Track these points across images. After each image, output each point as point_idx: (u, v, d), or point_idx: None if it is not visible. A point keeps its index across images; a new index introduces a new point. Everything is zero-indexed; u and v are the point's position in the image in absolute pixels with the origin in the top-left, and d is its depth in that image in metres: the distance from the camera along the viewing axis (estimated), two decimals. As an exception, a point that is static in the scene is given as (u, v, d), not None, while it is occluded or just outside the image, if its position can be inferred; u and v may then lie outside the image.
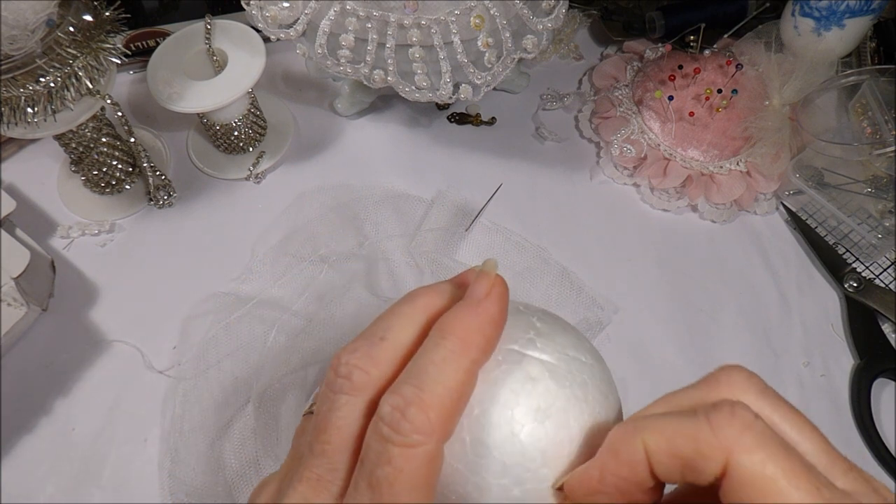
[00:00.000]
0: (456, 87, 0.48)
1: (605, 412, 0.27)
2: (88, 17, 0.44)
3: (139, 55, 0.59)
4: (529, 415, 0.25)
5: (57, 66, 0.43)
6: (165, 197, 0.54)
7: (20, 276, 0.45)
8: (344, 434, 0.25)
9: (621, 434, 0.24)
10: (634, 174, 0.56)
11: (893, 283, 0.52)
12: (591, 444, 0.26)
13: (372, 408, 0.25)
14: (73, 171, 0.54)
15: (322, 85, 0.61)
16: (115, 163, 0.53)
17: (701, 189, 0.54)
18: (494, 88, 0.53)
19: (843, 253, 0.53)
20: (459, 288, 0.28)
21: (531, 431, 0.25)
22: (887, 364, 0.48)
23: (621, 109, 0.58)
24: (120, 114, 0.48)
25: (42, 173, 0.56)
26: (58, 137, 0.49)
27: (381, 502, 0.23)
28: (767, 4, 0.61)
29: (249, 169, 0.56)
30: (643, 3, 0.63)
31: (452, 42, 0.45)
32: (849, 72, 0.55)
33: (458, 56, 0.45)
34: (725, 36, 0.61)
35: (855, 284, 0.51)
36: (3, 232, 0.46)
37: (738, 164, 0.55)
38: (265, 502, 0.27)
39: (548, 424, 0.26)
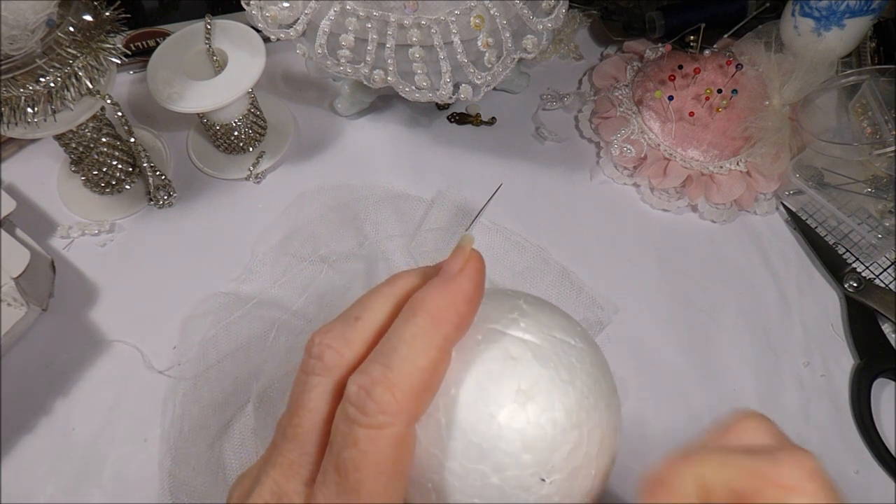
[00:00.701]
0: (456, 87, 0.48)
1: (595, 398, 0.26)
2: (88, 17, 0.44)
3: (139, 55, 0.59)
4: (509, 396, 0.24)
5: (57, 66, 0.43)
6: (165, 197, 0.54)
7: (20, 276, 0.45)
8: (315, 417, 0.24)
9: (672, 466, 0.23)
10: (634, 174, 0.56)
11: (893, 283, 0.52)
12: (579, 430, 0.25)
13: (343, 389, 0.24)
14: (73, 171, 0.54)
15: (322, 85, 0.61)
16: (115, 163, 0.53)
17: (701, 189, 0.54)
18: (494, 88, 0.53)
19: (843, 253, 0.53)
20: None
21: (511, 414, 0.24)
22: (887, 364, 0.48)
23: (621, 109, 0.58)
24: (120, 114, 0.48)
25: (42, 173, 0.56)
26: (58, 137, 0.49)
27: (346, 487, 0.22)
28: (767, 4, 0.61)
29: (249, 169, 0.56)
30: (643, 3, 0.63)
31: (452, 42, 0.45)
32: (849, 72, 0.55)
33: (458, 56, 0.45)
34: (725, 36, 0.61)
35: (855, 284, 0.51)
36: (3, 232, 0.46)
37: (738, 164, 0.55)
38: (242, 494, 0.26)
39: (529, 407, 0.24)
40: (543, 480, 0.24)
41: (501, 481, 0.24)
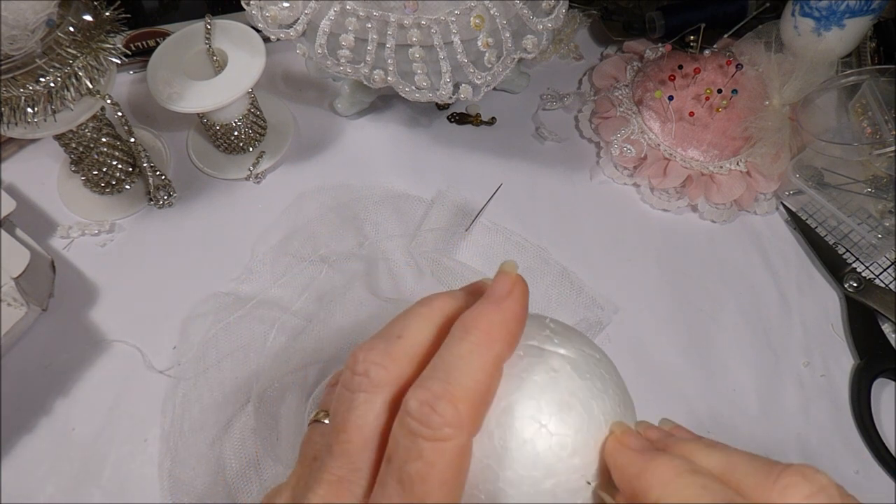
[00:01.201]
0: (456, 87, 0.48)
1: (624, 407, 0.28)
2: (88, 17, 0.44)
3: (139, 55, 0.59)
4: (555, 405, 0.26)
5: (57, 66, 0.43)
6: (165, 197, 0.54)
7: (20, 276, 0.45)
8: (365, 433, 0.25)
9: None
10: (634, 174, 0.56)
11: (893, 283, 0.52)
12: None
13: (392, 405, 0.25)
14: (73, 171, 0.54)
15: (322, 85, 0.61)
16: (115, 163, 0.53)
17: (701, 189, 0.54)
18: (494, 88, 0.53)
19: (843, 253, 0.53)
20: (472, 295, 0.28)
21: (559, 422, 0.25)
22: (887, 364, 0.48)
23: (621, 109, 0.58)
24: (120, 114, 0.48)
25: (42, 173, 0.56)
26: (58, 137, 0.49)
27: (412, 499, 0.23)
28: (767, 4, 0.61)
29: (249, 169, 0.56)
30: (643, 3, 0.63)
31: (452, 42, 0.45)
32: (849, 72, 0.55)
33: (458, 56, 0.45)
34: (725, 36, 0.61)
35: (855, 284, 0.51)
36: (3, 232, 0.46)
37: (738, 164, 0.55)
38: None
39: (573, 415, 0.26)
40: (589, 483, 0.26)
41: (553, 486, 0.25)
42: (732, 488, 0.23)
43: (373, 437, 0.25)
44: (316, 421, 0.30)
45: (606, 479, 0.26)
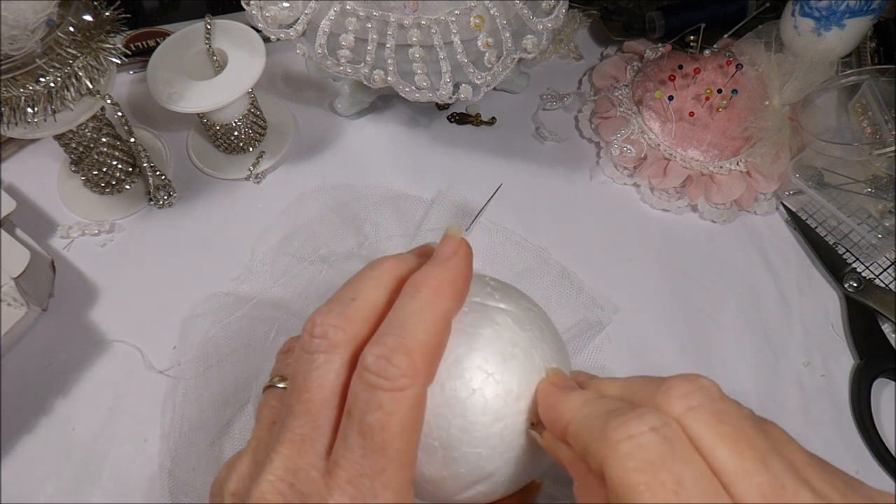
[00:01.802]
0: (456, 87, 0.48)
1: (561, 354, 0.30)
2: (88, 17, 0.44)
3: (139, 55, 0.59)
4: (499, 355, 0.28)
5: (57, 66, 0.43)
6: (165, 197, 0.54)
7: (20, 276, 0.45)
8: (325, 391, 0.26)
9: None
10: (634, 174, 0.56)
11: (893, 283, 0.52)
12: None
13: (350, 364, 0.26)
14: (73, 171, 0.54)
15: (322, 85, 0.61)
16: (115, 163, 0.53)
17: (701, 189, 0.54)
18: (494, 88, 0.53)
19: (843, 253, 0.53)
20: (420, 257, 0.30)
21: (504, 370, 0.28)
22: (887, 364, 0.48)
23: (621, 109, 0.58)
24: (120, 114, 0.48)
25: (42, 173, 0.56)
26: (58, 137, 0.49)
27: (373, 448, 0.24)
28: (767, 4, 0.61)
29: (249, 169, 0.56)
30: (643, 3, 0.63)
31: (452, 42, 0.45)
32: (849, 72, 0.55)
33: (458, 56, 0.45)
34: (725, 36, 0.61)
35: (855, 284, 0.51)
36: (3, 232, 0.46)
37: (738, 164, 0.55)
38: (241, 479, 0.27)
39: (516, 363, 0.28)
40: (534, 425, 0.28)
41: (502, 429, 0.27)
42: (630, 403, 0.25)
43: (333, 396, 0.26)
44: (271, 386, 0.31)
45: None
